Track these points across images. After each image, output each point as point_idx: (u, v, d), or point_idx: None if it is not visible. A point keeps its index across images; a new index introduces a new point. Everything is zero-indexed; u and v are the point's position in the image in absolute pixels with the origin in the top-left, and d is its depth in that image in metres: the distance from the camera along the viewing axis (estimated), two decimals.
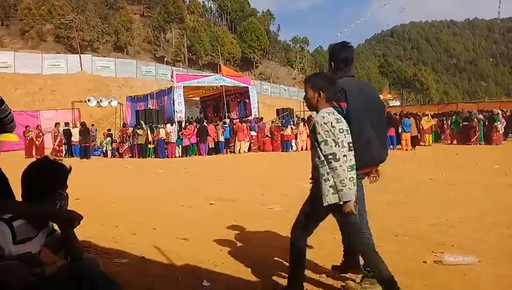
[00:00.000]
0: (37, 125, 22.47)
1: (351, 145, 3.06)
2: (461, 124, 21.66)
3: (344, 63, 3.48)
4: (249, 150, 21.73)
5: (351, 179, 2.97)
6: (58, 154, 20.49)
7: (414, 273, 3.76)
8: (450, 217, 5.82)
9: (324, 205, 2.95)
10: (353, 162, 3.04)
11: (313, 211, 3.17)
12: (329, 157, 2.91)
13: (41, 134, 21.51)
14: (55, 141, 21.22)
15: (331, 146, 2.92)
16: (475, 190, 8.20)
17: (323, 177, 2.94)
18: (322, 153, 2.95)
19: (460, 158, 14.84)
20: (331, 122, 2.97)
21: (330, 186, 2.92)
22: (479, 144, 20.54)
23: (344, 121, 3.08)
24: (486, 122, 21.02)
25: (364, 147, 3.21)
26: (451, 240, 4.71)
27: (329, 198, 2.92)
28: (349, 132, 3.07)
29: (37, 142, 21.32)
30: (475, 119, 20.77)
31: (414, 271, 3.82)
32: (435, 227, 5.36)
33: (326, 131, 2.94)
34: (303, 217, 3.26)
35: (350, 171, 3.00)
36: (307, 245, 3.32)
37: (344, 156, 2.97)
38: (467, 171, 11.06)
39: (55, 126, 21.79)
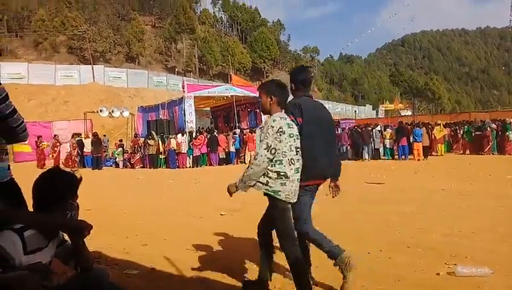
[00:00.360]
0: (54, 135, 22.45)
1: (298, 149, 3.36)
2: (474, 134, 21.43)
3: (303, 84, 3.85)
4: None
5: (297, 180, 3.32)
6: (72, 164, 20.56)
7: (427, 286, 3.71)
8: (462, 228, 5.75)
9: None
10: (298, 165, 3.34)
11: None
12: (256, 154, 3.26)
13: (58, 144, 21.55)
14: (74, 151, 21.29)
15: (261, 147, 3.23)
16: (488, 200, 8.10)
17: (252, 163, 3.31)
18: (257, 149, 3.33)
19: (473, 168, 14.68)
20: (281, 127, 3.24)
21: (263, 178, 3.26)
22: (492, 154, 20.31)
23: (295, 127, 3.39)
24: (500, 132, 20.77)
25: (312, 161, 3.52)
26: (464, 252, 4.65)
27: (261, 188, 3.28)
28: (299, 137, 3.38)
29: (50, 155, 21.35)
30: (488, 129, 20.55)
31: (427, 283, 3.77)
32: (448, 238, 5.30)
33: (267, 134, 3.23)
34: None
35: (296, 173, 3.31)
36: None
37: (291, 159, 3.27)
38: (479, 182, 10.93)
39: (73, 137, 21.80)
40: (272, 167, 3.22)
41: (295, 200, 3.34)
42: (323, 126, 3.70)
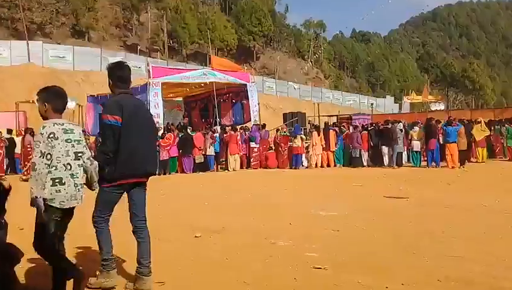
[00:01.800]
0: None
1: (80, 155, 4.36)
2: None
3: (120, 81, 4.87)
4: (248, 166, 21.60)
5: (75, 184, 4.27)
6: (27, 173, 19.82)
7: None
8: (508, 256, 5.80)
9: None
10: (77, 171, 4.30)
11: None
12: (33, 164, 4.04)
13: (2, 144, 20.87)
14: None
15: (35, 156, 4.05)
16: None
17: (32, 175, 4.08)
18: (32, 159, 4.10)
19: None
20: (52, 133, 4.15)
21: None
22: None
23: (76, 132, 4.39)
24: None
25: (128, 159, 4.55)
26: (509, 286, 4.68)
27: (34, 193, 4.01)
28: (79, 142, 4.38)
29: None
30: None
31: None
32: (490, 268, 5.34)
33: (38, 141, 4.11)
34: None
35: (73, 178, 4.26)
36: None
37: (68, 164, 4.22)
38: None
39: (27, 134, 20.85)
40: (48, 173, 4.07)
41: (73, 205, 4.30)
42: (143, 124, 4.76)
